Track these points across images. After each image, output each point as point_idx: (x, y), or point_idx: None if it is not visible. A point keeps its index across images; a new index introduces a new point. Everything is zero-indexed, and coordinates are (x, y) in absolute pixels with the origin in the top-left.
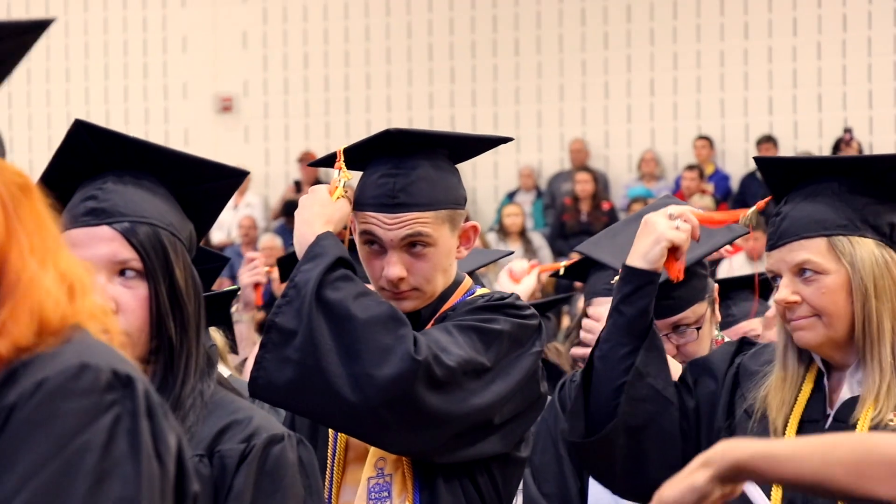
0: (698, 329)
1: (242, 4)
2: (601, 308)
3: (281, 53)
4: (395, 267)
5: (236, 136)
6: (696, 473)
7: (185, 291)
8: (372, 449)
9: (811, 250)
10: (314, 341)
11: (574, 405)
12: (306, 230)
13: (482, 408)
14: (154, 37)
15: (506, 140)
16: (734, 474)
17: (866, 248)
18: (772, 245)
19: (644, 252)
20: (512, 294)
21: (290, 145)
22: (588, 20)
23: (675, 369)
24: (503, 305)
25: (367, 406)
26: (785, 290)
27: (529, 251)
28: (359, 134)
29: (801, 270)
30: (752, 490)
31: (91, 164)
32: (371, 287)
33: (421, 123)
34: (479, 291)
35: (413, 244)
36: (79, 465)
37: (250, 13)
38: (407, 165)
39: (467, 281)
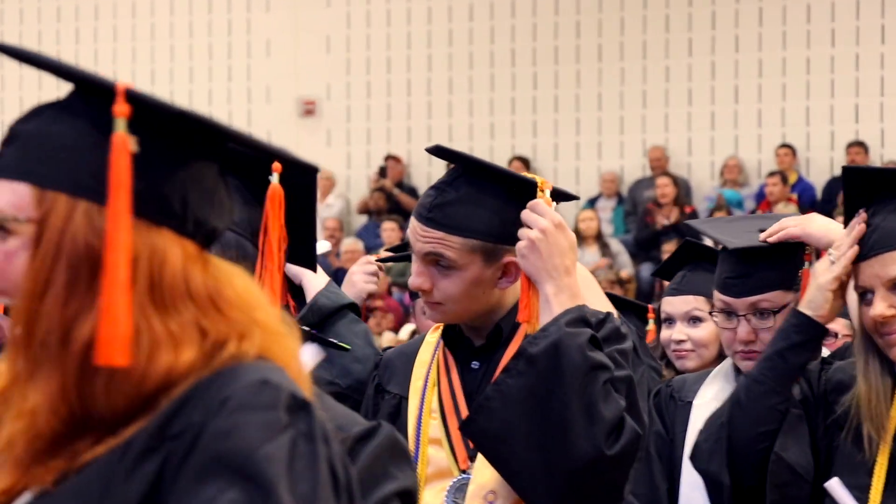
0: (774, 314)
1: (326, 8)
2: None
3: (364, 57)
4: (417, 277)
5: (318, 139)
6: None
7: None
8: (480, 480)
9: None
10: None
11: (715, 441)
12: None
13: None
14: (238, 40)
15: (569, 197)
16: None
17: None
18: (863, 256)
19: (810, 299)
20: (609, 313)
21: (372, 149)
22: (672, 27)
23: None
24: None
25: (592, 463)
26: (882, 305)
27: (607, 256)
28: (440, 138)
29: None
30: (838, 489)
31: None
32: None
33: (502, 129)
34: None
35: (437, 261)
36: (265, 474)
37: (334, 17)
38: (454, 185)
39: None
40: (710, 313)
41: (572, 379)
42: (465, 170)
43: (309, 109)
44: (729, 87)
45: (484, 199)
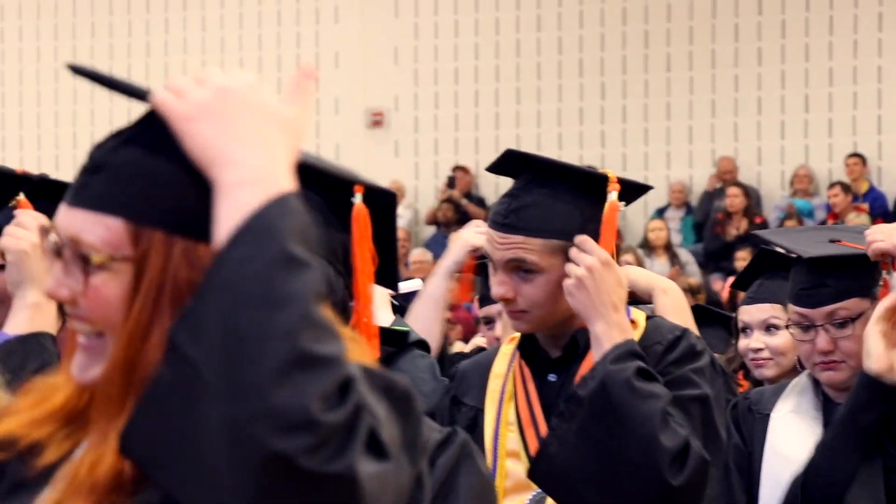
0: (852, 321)
1: (394, 20)
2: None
3: (431, 68)
4: (500, 287)
5: (386, 150)
6: None
7: None
8: None
9: None
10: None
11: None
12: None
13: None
14: (307, 52)
15: (642, 188)
16: None
17: None
18: None
19: (866, 351)
20: (685, 330)
21: (440, 159)
22: (741, 36)
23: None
24: (696, 353)
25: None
26: None
27: (676, 266)
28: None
29: None
30: None
31: None
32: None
33: (570, 139)
34: (634, 314)
35: (519, 268)
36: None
37: (402, 29)
38: (527, 189)
39: None
40: (787, 326)
41: (624, 416)
42: (535, 172)
43: (377, 121)
44: (799, 96)
45: (558, 198)
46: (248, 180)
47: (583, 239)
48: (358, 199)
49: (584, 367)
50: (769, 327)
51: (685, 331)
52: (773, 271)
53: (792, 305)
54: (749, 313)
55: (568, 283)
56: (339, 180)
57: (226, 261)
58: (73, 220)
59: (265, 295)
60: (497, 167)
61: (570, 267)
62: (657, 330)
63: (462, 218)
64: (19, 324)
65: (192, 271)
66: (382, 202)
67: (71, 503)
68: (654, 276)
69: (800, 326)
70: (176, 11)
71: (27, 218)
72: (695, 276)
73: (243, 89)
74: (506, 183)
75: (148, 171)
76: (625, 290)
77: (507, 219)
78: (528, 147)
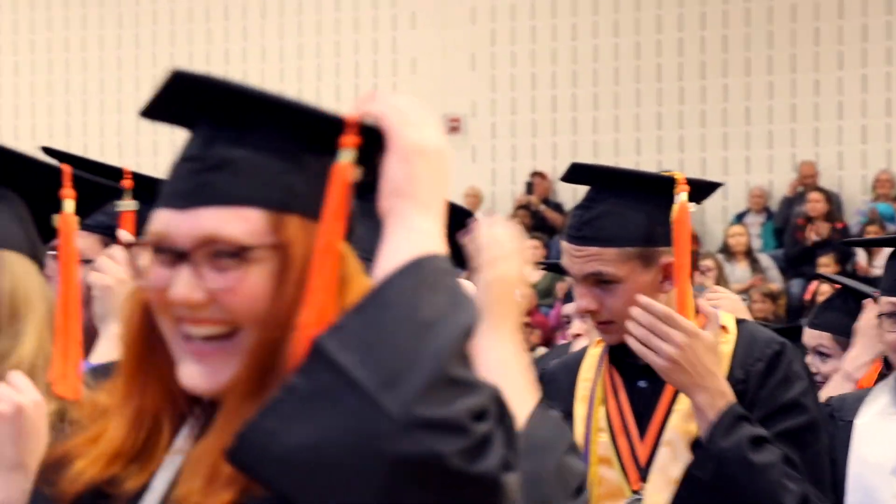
0: None
1: (471, 26)
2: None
3: (509, 74)
4: (582, 300)
5: (464, 155)
6: None
7: None
8: (653, 502)
9: None
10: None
11: None
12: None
13: None
14: (384, 59)
15: (712, 186)
16: None
17: None
18: None
19: None
20: (783, 343)
21: (518, 165)
22: (822, 40)
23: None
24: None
25: None
26: None
27: (757, 272)
28: (585, 154)
29: None
30: None
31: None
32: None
33: (648, 144)
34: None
35: (599, 280)
36: None
37: (478, 35)
38: (597, 199)
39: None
40: (881, 316)
41: (746, 493)
42: (602, 182)
43: (454, 126)
44: (881, 100)
45: (628, 205)
46: (427, 229)
47: (668, 314)
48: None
49: None
50: (819, 353)
51: (783, 345)
52: (831, 299)
53: (884, 297)
54: (806, 335)
55: (661, 364)
56: None
57: (392, 285)
58: (203, 220)
59: (424, 322)
60: (569, 178)
61: (660, 345)
62: (754, 342)
63: (539, 224)
64: (104, 354)
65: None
66: (459, 219)
67: (206, 494)
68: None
69: (892, 317)
70: (254, 19)
71: (116, 252)
72: (775, 281)
73: (442, 145)
74: (583, 189)
75: (272, 162)
76: (717, 355)
77: (580, 231)
78: (607, 152)
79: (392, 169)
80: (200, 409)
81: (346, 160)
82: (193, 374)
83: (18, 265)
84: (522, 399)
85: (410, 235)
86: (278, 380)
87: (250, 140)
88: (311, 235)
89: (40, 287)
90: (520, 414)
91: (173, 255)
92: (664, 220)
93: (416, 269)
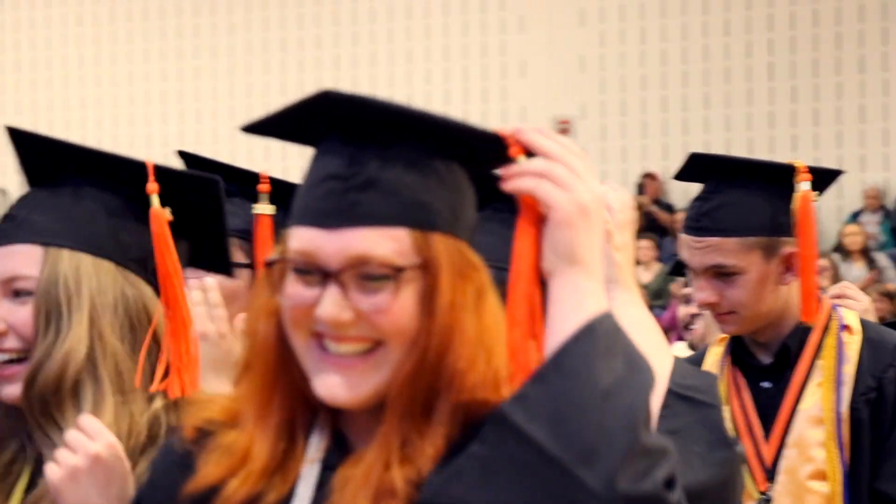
0: None
1: (580, 28)
2: None
3: (618, 75)
4: (701, 293)
5: None
6: None
7: None
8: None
9: None
10: None
11: None
12: None
13: None
14: (493, 62)
15: (833, 174)
16: None
17: None
18: None
19: None
20: None
21: (628, 167)
22: None
23: None
24: None
25: None
26: None
27: (874, 271)
28: None
29: None
30: None
31: None
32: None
33: (761, 143)
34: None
35: (719, 272)
36: None
37: (587, 36)
38: (716, 190)
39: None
40: None
41: None
42: (722, 173)
43: (564, 129)
44: None
45: (748, 195)
46: (592, 290)
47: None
48: None
49: (798, 375)
50: None
51: None
52: None
53: None
54: None
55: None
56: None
57: (569, 353)
58: (353, 240)
59: (607, 391)
60: (684, 173)
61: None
62: (882, 346)
63: (651, 225)
64: None
65: (466, 267)
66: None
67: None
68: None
69: None
70: (363, 24)
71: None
72: (893, 281)
73: (601, 196)
74: (695, 188)
75: (417, 181)
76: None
77: (699, 222)
78: (717, 152)
79: (557, 232)
80: (325, 415)
81: (516, 169)
82: (332, 386)
83: (70, 262)
84: (662, 356)
85: (579, 299)
86: (440, 400)
87: (394, 158)
88: (454, 253)
89: (99, 285)
90: (661, 369)
91: (319, 274)
92: (785, 210)
93: (591, 335)
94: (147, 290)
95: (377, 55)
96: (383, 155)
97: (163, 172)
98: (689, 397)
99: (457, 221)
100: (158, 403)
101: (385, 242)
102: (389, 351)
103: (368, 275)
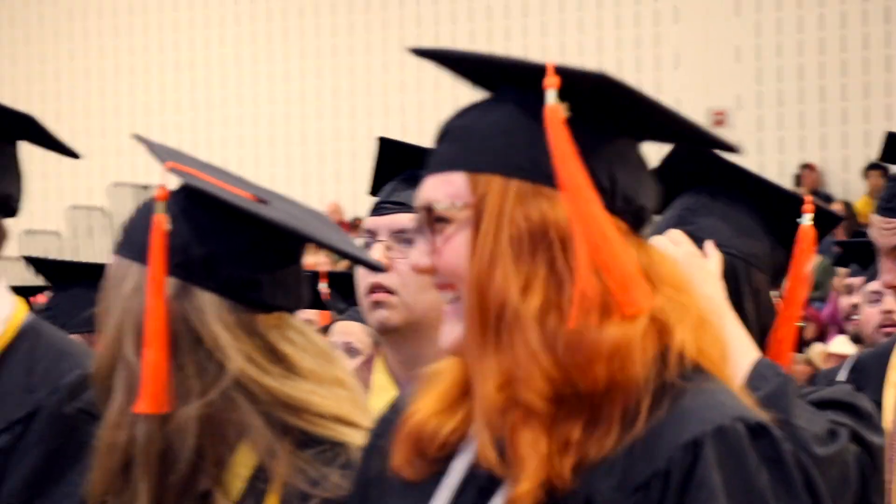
0: None
1: (735, 18)
2: None
3: (775, 65)
4: (888, 274)
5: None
6: None
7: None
8: None
9: None
10: None
11: None
12: None
13: None
14: (646, 54)
15: None
16: None
17: None
18: None
19: None
20: None
21: (785, 158)
22: None
23: None
24: None
25: None
26: None
27: None
28: (856, 145)
29: None
30: None
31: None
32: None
33: None
34: None
35: None
36: None
37: (743, 27)
38: None
39: None
40: None
41: None
42: None
43: (719, 120)
44: None
45: None
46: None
47: None
48: (806, 219)
49: None
50: None
51: None
52: None
53: None
54: None
55: None
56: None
57: None
58: (426, 188)
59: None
60: (886, 154)
61: None
62: None
63: None
64: None
65: (527, 210)
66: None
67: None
68: None
69: None
70: (515, 19)
71: None
72: None
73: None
74: (854, 180)
75: (482, 127)
76: None
77: (889, 203)
78: (879, 142)
79: None
80: None
81: (551, 101)
82: (441, 333)
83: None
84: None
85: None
86: (492, 328)
87: (471, 110)
88: (513, 194)
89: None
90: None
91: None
92: None
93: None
94: None
95: (529, 50)
96: (467, 107)
97: None
98: None
99: (526, 164)
100: None
101: (443, 187)
102: (464, 300)
103: (433, 220)
